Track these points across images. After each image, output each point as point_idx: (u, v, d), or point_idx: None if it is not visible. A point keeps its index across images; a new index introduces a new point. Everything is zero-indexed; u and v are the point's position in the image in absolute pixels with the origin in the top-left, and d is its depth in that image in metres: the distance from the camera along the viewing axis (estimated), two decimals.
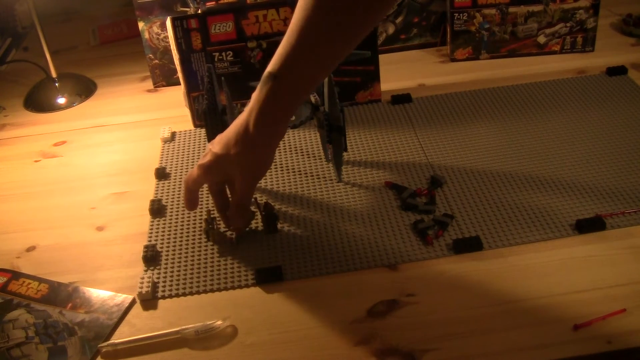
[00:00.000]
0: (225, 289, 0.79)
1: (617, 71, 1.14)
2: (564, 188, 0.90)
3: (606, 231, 0.82)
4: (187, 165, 1.01)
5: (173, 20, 1.03)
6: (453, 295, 0.75)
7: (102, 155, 1.06)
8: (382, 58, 1.12)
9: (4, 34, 1.43)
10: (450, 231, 0.84)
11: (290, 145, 1.04)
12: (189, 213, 0.91)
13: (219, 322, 0.73)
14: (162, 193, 0.96)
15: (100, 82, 1.27)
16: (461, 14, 1.19)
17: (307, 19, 0.72)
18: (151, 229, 0.89)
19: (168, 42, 1.16)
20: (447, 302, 0.75)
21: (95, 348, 0.73)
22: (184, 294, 0.79)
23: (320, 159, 1.00)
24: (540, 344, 0.69)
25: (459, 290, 0.76)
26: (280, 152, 1.02)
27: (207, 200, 0.93)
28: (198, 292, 0.79)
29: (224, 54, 1.05)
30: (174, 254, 0.85)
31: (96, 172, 1.02)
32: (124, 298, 0.79)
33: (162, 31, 1.19)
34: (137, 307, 0.78)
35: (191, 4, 1.15)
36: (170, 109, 1.15)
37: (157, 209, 0.92)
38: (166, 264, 0.83)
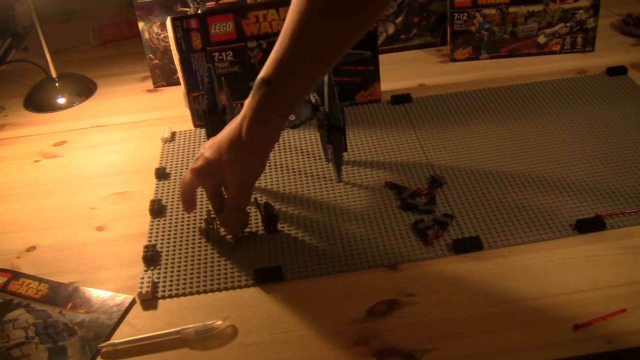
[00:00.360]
0: (225, 289, 0.79)
1: (617, 71, 1.14)
2: (564, 188, 0.90)
3: (606, 231, 0.82)
4: (187, 166, 1.01)
5: (173, 20, 1.03)
6: (453, 295, 0.75)
7: (102, 155, 1.06)
8: (382, 58, 1.12)
9: (4, 34, 1.43)
10: (450, 231, 0.84)
11: (290, 145, 1.04)
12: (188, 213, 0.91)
13: (219, 322, 0.73)
14: (162, 193, 0.96)
15: (100, 82, 1.27)
16: (461, 14, 1.19)
17: (300, 22, 0.70)
18: (151, 229, 0.89)
19: (168, 42, 1.16)
20: (447, 302, 0.75)
21: (95, 348, 0.73)
22: (184, 294, 0.79)
23: (320, 159, 1.00)
24: (540, 344, 0.69)
25: (459, 290, 0.76)
26: (280, 152, 1.02)
27: (207, 201, 0.92)
28: (198, 292, 0.79)
29: (224, 54, 1.05)
30: (174, 254, 0.85)
31: (96, 172, 1.02)
32: (124, 298, 0.79)
33: (162, 31, 1.19)
34: (137, 307, 0.78)
35: (191, 4, 1.15)
36: (170, 109, 1.15)
37: (157, 209, 0.92)
38: (166, 264, 0.83)
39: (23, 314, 0.78)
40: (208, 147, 0.79)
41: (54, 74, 1.23)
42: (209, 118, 0.91)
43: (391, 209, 0.89)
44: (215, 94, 0.91)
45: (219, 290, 0.79)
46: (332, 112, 0.90)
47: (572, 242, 0.81)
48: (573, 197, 0.88)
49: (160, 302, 0.78)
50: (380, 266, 0.80)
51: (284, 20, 1.03)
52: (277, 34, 1.04)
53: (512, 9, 1.18)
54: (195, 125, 1.10)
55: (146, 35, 1.19)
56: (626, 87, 1.10)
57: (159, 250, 0.85)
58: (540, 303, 0.73)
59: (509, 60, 1.21)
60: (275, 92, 0.73)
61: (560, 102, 1.08)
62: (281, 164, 1.00)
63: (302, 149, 1.02)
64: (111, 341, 0.73)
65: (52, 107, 1.21)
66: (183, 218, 0.90)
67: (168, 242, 0.86)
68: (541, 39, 1.20)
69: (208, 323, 0.73)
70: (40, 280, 0.82)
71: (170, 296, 0.79)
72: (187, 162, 1.02)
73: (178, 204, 0.93)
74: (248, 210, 0.88)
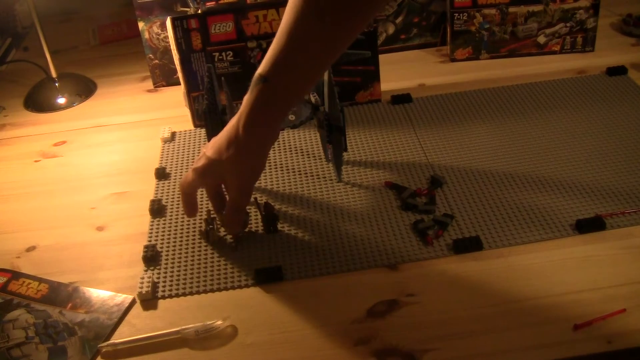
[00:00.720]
0: (225, 289, 0.79)
1: (617, 71, 1.14)
2: (564, 188, 0.90)
3: (606, 231, 0.82)
4: (187, 165, 1.01)
5: (173, 20, 1.03)
6: (453, 295, 0.75)
7: (102, 155, 1.06)
8: (382, 58, 1.12)
9: (4, 34, 1.43)
10: (450, 231, 0.84)
11: (290, 145, 1.04)
12: None
13: (219, 322, 0.73)
14: (162, 193, 0.96)
15: (100, 82, 1.27)
16: (461, 14, 1.19)
17: (296, 21, 0.71)
18: (151, 229, 0.89)
19: (168, 42, 1.16)
20: (447, 302, 0.75)
21: (95, 348, 0.73)
22: (184, 294, 0.79)
23: (320, 159, 1.00)
24: (540, 344, 0.69)
25: (459, 290, 0.76)
26: (280, 152, 1.02)
27: (207, 201, 0.92)
28: (198, 292, 0.79)
29: (224, 54, 1.05)
30: (174, 254, 0.85)
31: (96, 172, 1.02)
32: (124, 298, 0.79)
33: (162, 31, 1.19)
34: (137, 307, 0.78)
35: (191, 4, 1.15)
36: (170, 109, 1.15)
37: (157, 209, 0.92)
38: (166, 264, 0.83)
39: (23, 314, 0.78)
40: (210, 147, 0.79)
41: (54, 74, 1.23)
42: (209, 118, 0.91)
43: (391, 209, 0.89)
44: (215, 94, 0.91)
45: (219, 290, 0.79)
46: (332, 112, 0.90)
47: (572, 242, 0.81)
48: (573, 197, 0.88)
49: (160, 302, 0.78)
50: (381, 266, 0.80)
51: None
52: None
53: (512, 9, 1.18)
54: (195, 125, 1.10)
55: (146, 35, 1.19)
56: (626, 87, 1.10)
57: (159, 250, 0.85)
58: (540, 303, 0.73)
59: (509, 60, 1.21)
60: (271, 88, 0.73)
61: (560, 102, 1.08)
62: (281, 164, 1.00)
63: (302, 149, 1.02)
64: (111, 341, 0.73)
65: (52, 107, 1.21)
66: (183, 218, 0.90)
67: (168, 242, 0.86)
68: (541, 39, 1.20)
69: (208, 323, 0.73)
70: (40, 280, 0.82)
71: (170, 296, 0.79)
72: (187, 162, 1.02)
73: (178, 204, 0.93)
74: (248, 210, 0.88)
